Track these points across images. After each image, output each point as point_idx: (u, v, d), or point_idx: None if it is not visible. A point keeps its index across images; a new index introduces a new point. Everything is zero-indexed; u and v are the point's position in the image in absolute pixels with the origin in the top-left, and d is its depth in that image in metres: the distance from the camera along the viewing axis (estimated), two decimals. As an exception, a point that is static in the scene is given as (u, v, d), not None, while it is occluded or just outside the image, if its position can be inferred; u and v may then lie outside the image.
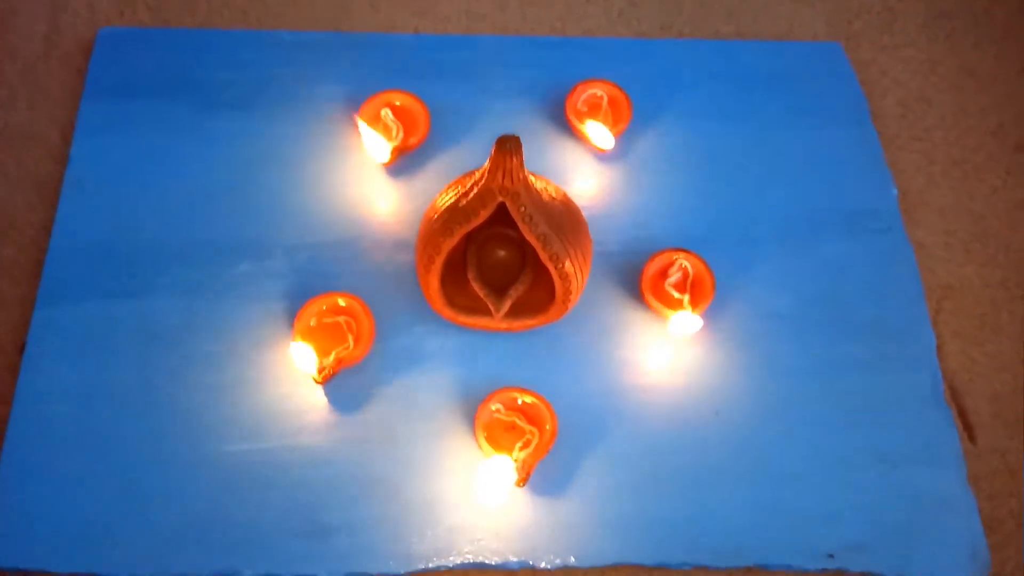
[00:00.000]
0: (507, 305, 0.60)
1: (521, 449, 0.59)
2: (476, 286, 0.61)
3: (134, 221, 0.68)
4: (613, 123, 0.72)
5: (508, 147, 0.51)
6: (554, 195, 0.58)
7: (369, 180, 0.71)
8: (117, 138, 0.71)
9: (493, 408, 0.60)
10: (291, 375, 0.62)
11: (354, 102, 0.72)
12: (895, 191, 0.73)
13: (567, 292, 0.59)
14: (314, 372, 0.60)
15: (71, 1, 0.79)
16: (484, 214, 0.55)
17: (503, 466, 0.57)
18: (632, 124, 0.73)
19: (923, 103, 0.80)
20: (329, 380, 0.60)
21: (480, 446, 0.59)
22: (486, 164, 0.53)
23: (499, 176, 0.52)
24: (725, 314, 0.67)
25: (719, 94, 0.76)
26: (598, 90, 0.73)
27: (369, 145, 0.69)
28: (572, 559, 0.58)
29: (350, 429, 0.61)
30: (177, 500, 0.58)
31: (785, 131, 0.75)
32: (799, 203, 0.72)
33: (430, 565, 0.58)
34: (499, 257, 0.62)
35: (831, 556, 0.59)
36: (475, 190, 0.54)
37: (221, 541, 0.57)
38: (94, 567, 0.57)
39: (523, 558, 0.58)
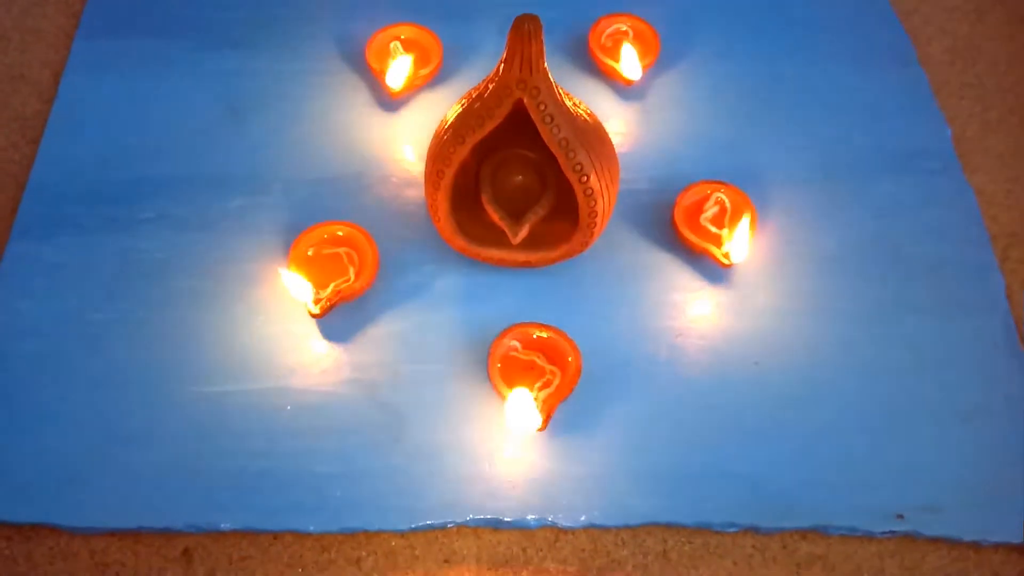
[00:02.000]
0: (525, 230, 0.54)
1: (541, 389, 0.52)
2: (491, 209, 0.54)
3: (121, 157, 0.63)
4: (639, 58, 0.66)
5: (527, 27, 0.45)
6: (578, 104, 0.53)
7: (376, 117, 0.65)
8: (108, 75, 0.66)
9: (509, 344, 0.53)
10: (284, 312, 0.56)
11: (361, 41, 0.68)
12: (948, 131, 0.67)
13: (592, 213, 0.53)
14: (310, 303, 0.54)
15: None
16: (500, 114, 0.49)
17: (521, 402, 0.50)
18: (659, 61, 0.68)
19: (972, 50, 0.74)
20: (327, 313, 0.54)
21: (495, 385, 0.52)
22: (502, 56, 0.48)
23: (516, 66, 0.47)
24: (766, 256, 0.60)
25: (750, 34, 0.71)
26: (623, 24, 0.68)
27: (396, 69, 0.64)
28: (599, 517, 0.51)
29: (348, 371, 0.55)
30: (151, 446, 0.52)
31: (825, 71, 0.69)
32: (844, 142, 0.66)
33: (436, 521, 0.50)
34: (516, 183, 0.56)
35: (900, 517, 0.51)
36: (489, 88, 0.49)
37: (199, 491, 0.50)
38: (57, 519, 0.50)
39: (542, 515, 0.50)
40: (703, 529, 0.51)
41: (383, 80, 0.65)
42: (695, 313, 0.58)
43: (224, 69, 0.67)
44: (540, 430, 0.51)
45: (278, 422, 0.53)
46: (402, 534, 0.51)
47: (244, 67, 0.67)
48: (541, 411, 0.51)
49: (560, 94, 0.50)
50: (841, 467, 0.52)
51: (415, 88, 0.66)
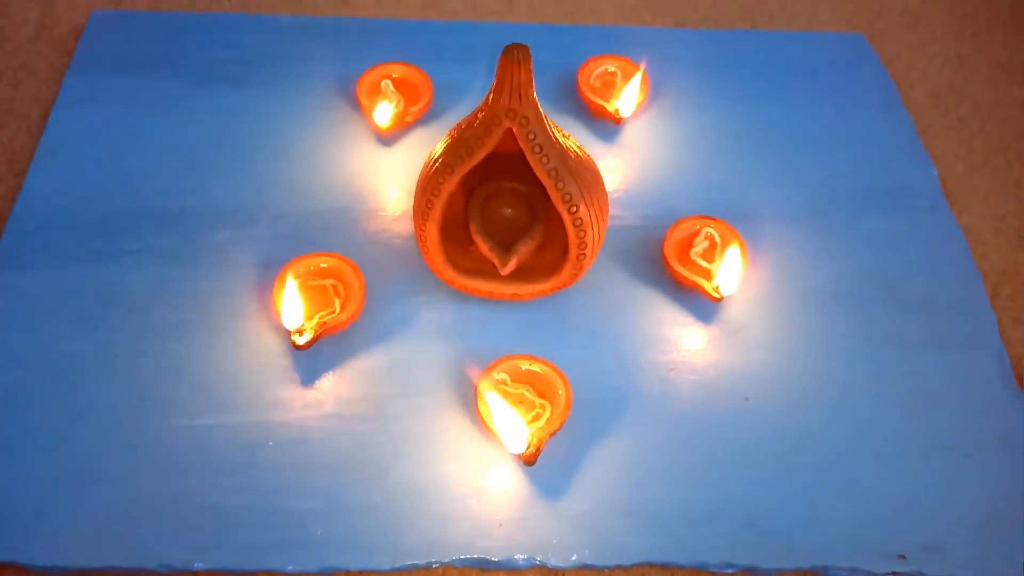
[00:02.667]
0: (514, 261, 0.53)
1: (531, 423, 0.51)
2: (480, 240, 0.54)
3: (107, 190, 0.62)
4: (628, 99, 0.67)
5: (516, 56, 0.46)
6: (567, 137, 0.53)
7: (366, 153, 0.66)
8: (98, 110, 0.66)
9: (497, 377, 0.52)
10: (267, 344, 0.55)
11: (352, 78, 0.68)
12: (935, 170, 0.67)
13: (582, 245, 0.52)
14: (295, 334, 0.52)
15: (68, -10, 0.77)
16: (489, 143, 0.49)
17: (511, 430, 0.48)
18: (648, 103, 0.69)
19: (955, 94, 0.76)
20: (312, 345, 0.53)
21: (483, 418, 0.51)
22: (491, 85, 0.48)
23: (506, 94, 0.47)
24: (756, 291, 0.60)
25: (738, 77, 0.72)
26: (611, 65, 0.69)
27: (383, 111, 0.64)
28: (591, 557, 0.49)
29: (333, 404, 0.53)
30: (124, 481, 0.50)
31: (811, 113, 0.70)
32: (833, 180, 0.66)
33: (421, 561, 0.48)
34: (506, 215, 0.56)
35: (902, 557, 0.49)
36: (479, 117, 0.49)
37: (173, 530, 0.48)
38: (23, 557, 0.47)
39: (531, 555, 0.49)
40: (699, 570, 0.49)
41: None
42: (686, 347, 0.57)
43: (214, 105, 0.67)
44: (529, 464, 0.49)
45: (259, 457, 0.51)
46: (385, 575, 0.48)
47: (234, 103, 0.67)
48: (530, 445, 0.49)
49: (549, 125, 0.50)
50: (840, 505, 0.51)
51: (405, 125, 0.66)
